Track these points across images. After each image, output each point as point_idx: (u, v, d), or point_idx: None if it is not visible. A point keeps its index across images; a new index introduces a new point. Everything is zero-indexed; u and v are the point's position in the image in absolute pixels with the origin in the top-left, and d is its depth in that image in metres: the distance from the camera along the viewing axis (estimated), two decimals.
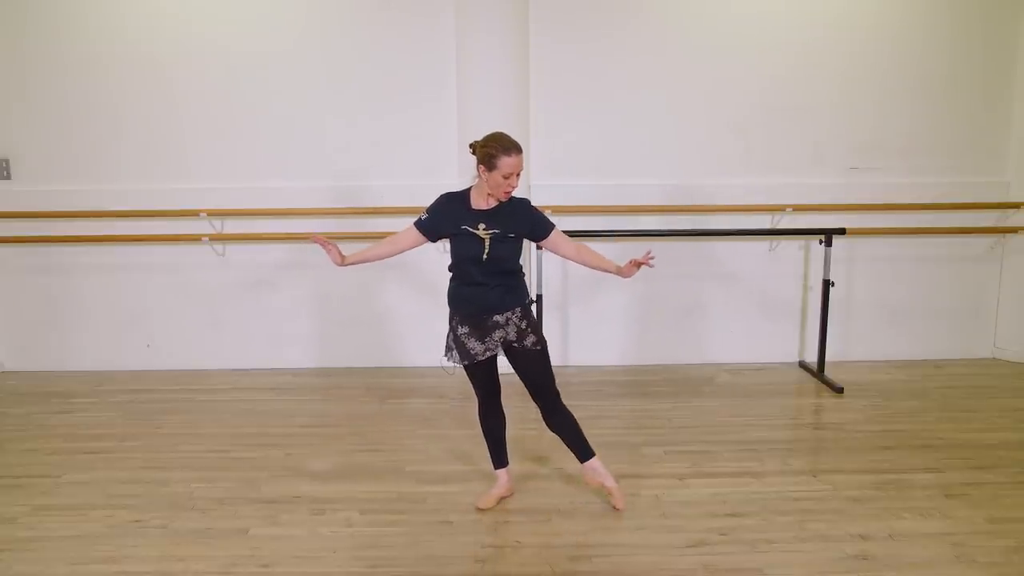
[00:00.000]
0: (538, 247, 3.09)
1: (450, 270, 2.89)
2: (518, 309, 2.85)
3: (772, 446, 3.69)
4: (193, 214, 4.71)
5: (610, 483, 3.03)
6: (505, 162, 2.67)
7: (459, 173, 4.78)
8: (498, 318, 2.82)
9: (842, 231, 4.65)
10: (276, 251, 4.87)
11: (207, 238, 4.76)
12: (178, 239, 4.79)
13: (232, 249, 4.88)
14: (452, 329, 2.89)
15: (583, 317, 5.01)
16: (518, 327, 2.84)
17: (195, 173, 4.80)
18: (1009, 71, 4.89)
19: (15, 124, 4.72)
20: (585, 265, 2.97)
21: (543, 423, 3.05)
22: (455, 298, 2.88)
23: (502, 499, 3.11)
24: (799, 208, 4.88)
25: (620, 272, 2.88)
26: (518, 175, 2.71)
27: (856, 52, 4.82)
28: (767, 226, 4.94)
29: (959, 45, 4.84)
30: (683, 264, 4.92)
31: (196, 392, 4.55)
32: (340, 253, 2.83)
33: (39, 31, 4.63)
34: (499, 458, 3.11)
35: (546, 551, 2.76)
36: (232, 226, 4.82)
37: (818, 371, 4.76)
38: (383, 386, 4.66)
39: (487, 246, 2.74)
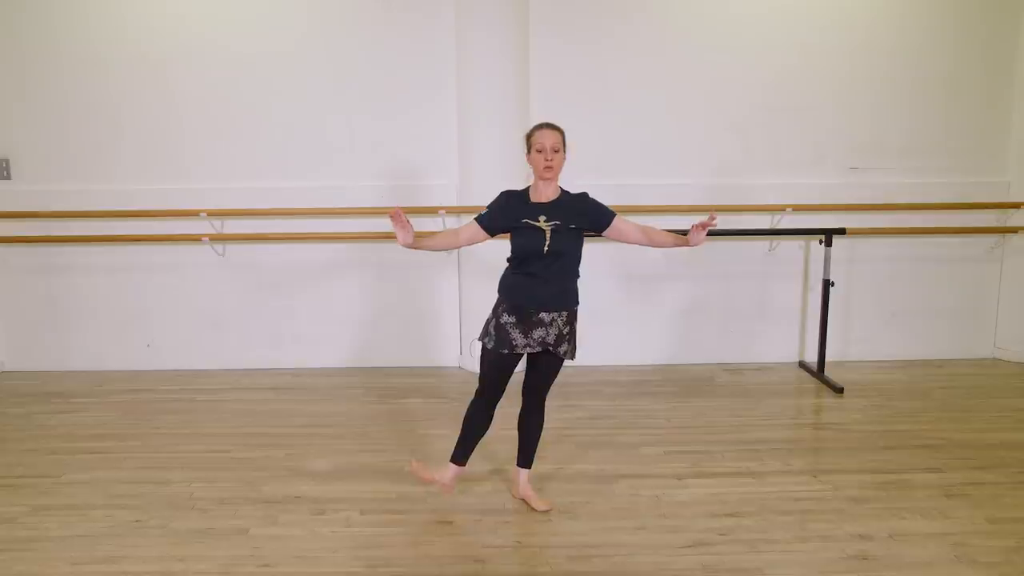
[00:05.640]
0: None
1: (509, 261, 2.90)
2: (565, 313, 2.85)
3: (772, 446, 3.69)
4: (193, 214, 4.71)
5: (530, 495, 3.08)
6: (535, 136, 2.82)
7: (459, 173, 4.78)
8: (544, 316, 2.81)
9: (842, 231, 4.65)
10: (276, 251, 4.87)
11: (207, 238, 4.76)
12: (178, 239, 4.79)
13: (232, 249, 4.88)
14: (496, 316, 2.87)
15: (582, 317, 5.00)
16: (559, 331, 2.84)
17: (195, 173, 4.80)
18: (1009, 71, 4.89)
19: (15, 124, 4.72)
20: (658, 246, 2.97)
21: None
22: (508, 286, 2.88)
23: (433, 483, 3.05)
24: (799, 208, 4.88)
25: (687, 242, 2.86)
26: (555, 150, 2.78)
27: (856, 52, 4.82)
28: (767, 226, 4.94)
29: (959, 45, 4.84)
30: (683, 264, 4.92)
31: (196, 392, 4.55)
32: (412, 233, 2.78)
33: (39, 31, 4.62)
34: (465, 453, 3.02)
35: (546, 551, 2.76)
36: (232, 226, 4.82)
37: (818, 371, 4.76)
38: (383, 386, 4.66)
39: (548, 237, 2.76)
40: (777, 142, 4.90)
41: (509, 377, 2.93)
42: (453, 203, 4.76)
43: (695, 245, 2.85)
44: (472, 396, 3.01)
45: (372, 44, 4.71)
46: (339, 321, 4.99)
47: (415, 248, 2.86)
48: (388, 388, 4.63)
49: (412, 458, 3.25)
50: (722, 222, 4.79)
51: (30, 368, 4.98)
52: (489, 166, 4.53)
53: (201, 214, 4.70)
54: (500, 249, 2.96)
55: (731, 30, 4.78)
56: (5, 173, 4.75)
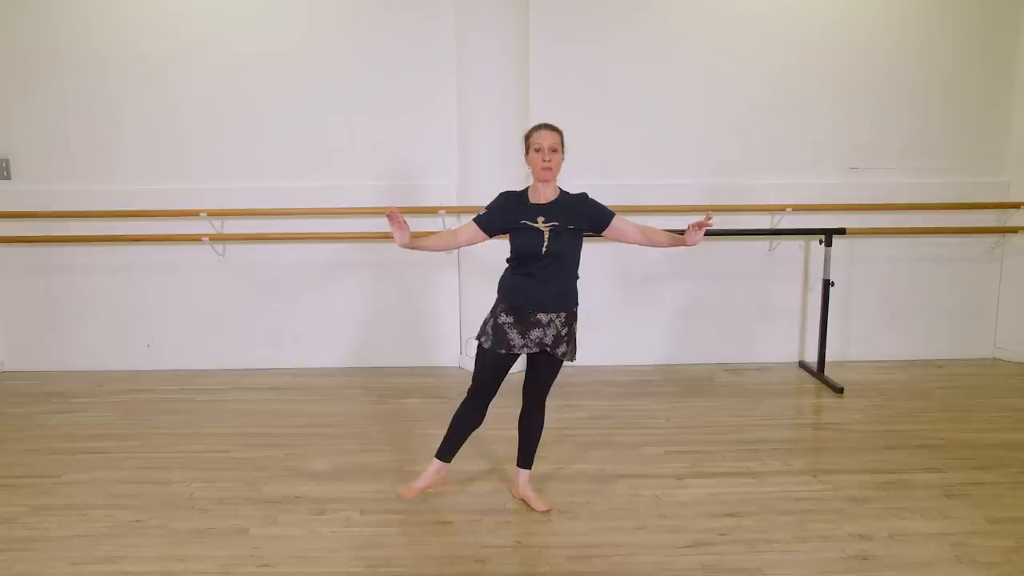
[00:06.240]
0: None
1: (508, 262, 2.90)
2: (564, 314, 2.85)
3: (772, 446, 3.69)
4: (193, 214, 4.71)
5: (530, 495, 3.08)
6: (534, 136, 2.82)
7: (459, 173, 4.78)
8: (542, 316, 2.81)
9: (842, 231, 4.65)
10: (276, 251, 4.87)
11: (207, 238, 4.76)
12: (178, 239, 4.79)
13: (232, 249, 4.88)
14: (495, 316, 2.87)
15: (582, 317, 5.01)
16: (557, 331, 2.84)
17: (195, 173, 4.80)
18: (1009, 71, 4.89)
19: (15, 124, 4.72)
20: (656, 246, 2.97)
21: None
22: (507, 286, 2.88)
23: (423, 491, 3.04)
24: (799, 208, 4.88)
25: (685, 242, 2.85)
26: (553, 151, 2.78)
27: (856, 52, 4.82)
28: (767, 226, 4.94)
29: (959, 45, 4.84)
30: (683, 264, 4.92)
31: (196, 392, 4.55)
32: (409, 233, 2.78)
33: (39, 31, 4.62)
34: (451, 450, 3.02)
35: (546, 551, 2.76)
36: (232, 226, 4.82)
37: (818, 371, 4.76)
38: (383, 386, 4.66)
39: (546, 239, 2.76)
40: (777, 142, 4.90)
41: (503, 377, 2.93)
42: (453, 203, 4.76)
43: (692, 244, 2.86)
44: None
45: (372, 44, 4.71)
46: (339, 321, 4.99)
47: (412, 248, 2.86)
48: (388, 388, 4.63)
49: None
50: (722, 222, 4.82)
51: (30, 368, 4.98)
52: (489, 166, 4.53)
53: (201, 214, 4.70)
54: (500, 249, 2.96)
55: (731, 30, 4.78)
56: (5, 173, 4.75)
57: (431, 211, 4.70)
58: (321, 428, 3.97)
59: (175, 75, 4.70)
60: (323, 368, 4.99)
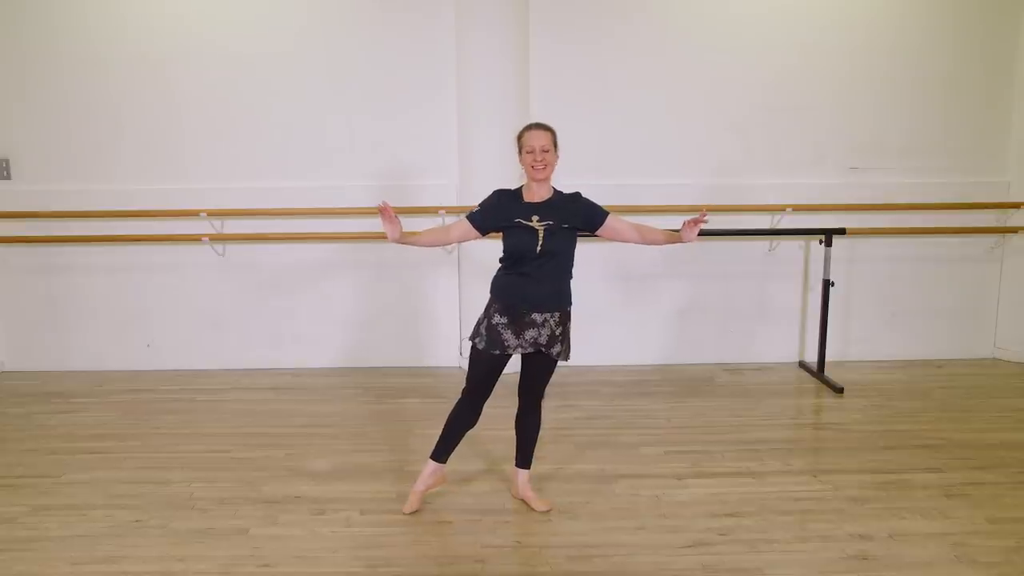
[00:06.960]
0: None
1: (501, 262, 2.90)
2: (558, 314, 2.85)
3: (772, 446, 3.69)
4: (193, 214, 4.71)
5: (529, 495, 3.08)
6: (525, 137, 2.81)
7: (459, 173, 4.78)
8: (536, 316, 2.81)
9: (842, 231, 4.65)
10: (276, 251, 4.87)
11: (207, 238, 4.76)
12: (178, 239, 4.79)
13: (232, 249, 4.88)
14: (488, 316, 2.86)
15: (581, 317, 5.01)
16: (552, 331, 2.83)
17: (195, 173, 4.80)
18: (1009, 71, 4.89)
19: (15, 124, 4.72)
20: (652, 243, 2.98)
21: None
22: (500, 286, 2.88)
23: (425, 492, 3.06)
24: (799, 208, 4.88)
25: (681, 239, 2.85)
26: (544, 151, 2.78)
27: (856, 52, 4.82)
28: (767, 226, 4.94)
29: (959, 45, 4.84)
30: (683, 264, 4.92)
31: (196, 392, 4.55)
32: (400, 228, 2.80)
33: (39, 31, 4.62)
34: (446, 451, 3.02)
35: (546, 551, 2.76)
36: (232, 226, 4.82)
37: (818, 371, 4.76)
38: (383, 386, 4.66)
39: (540, 238, 2.76)
40: (777, 142, 4.90)
41: (497, 378, 2.92)
42: (453, 203, 4.76)
43: (687, 242, 2.86)
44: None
45: (372, 44, 4.71)
46: (338, 321, 4.99)
47: (404, 244, 2.87)
48: (387, 388, 4.63)
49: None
50: (722, 222, 4.82)
51: (30, 368, 4.98)
52: (489, 166, 4.53)
53: (201, 214, 4.70)
54: (499, 249, 2.95)
55: (731, 30, 4.78)
56: (5, 173, 4.75)
57: (431, 211, 4.70)
58: (321, 428, 3.97)
59: (175, 75, 4.70)
60: (323, 368, 4.99)
